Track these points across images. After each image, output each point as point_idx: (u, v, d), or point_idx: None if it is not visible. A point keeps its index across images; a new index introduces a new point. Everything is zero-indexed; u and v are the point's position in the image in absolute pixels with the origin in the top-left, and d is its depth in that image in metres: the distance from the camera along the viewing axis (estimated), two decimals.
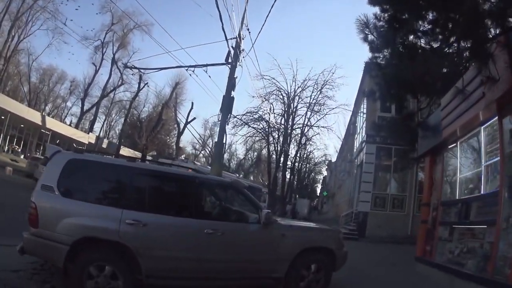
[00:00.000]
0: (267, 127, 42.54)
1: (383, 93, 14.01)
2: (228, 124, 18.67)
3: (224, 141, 17.54)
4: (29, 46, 58.67)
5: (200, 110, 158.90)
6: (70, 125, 65.02)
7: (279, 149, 44.04)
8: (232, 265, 7.57)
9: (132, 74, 49.50)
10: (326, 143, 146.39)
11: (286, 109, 44.37)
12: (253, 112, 42.06)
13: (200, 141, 65.62)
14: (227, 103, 17.19)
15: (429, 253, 12.36)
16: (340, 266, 8.92)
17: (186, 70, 18.95)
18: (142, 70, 26.32)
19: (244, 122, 41.38)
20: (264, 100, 41.32)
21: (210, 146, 68.32)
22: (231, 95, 17.28)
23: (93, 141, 56.52)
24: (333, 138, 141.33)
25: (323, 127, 45.44)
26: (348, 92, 67.51)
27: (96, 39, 56.51)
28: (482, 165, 9.84)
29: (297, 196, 58.89)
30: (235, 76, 17.38)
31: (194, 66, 18.74)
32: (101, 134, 69.81)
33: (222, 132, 17.45)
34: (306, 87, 44.20)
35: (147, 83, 48.71)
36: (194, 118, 57.55)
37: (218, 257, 7.34)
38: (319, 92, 43.98)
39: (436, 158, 13.46)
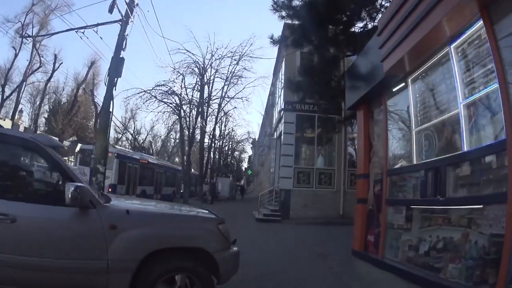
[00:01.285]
0: (178, 100, 39.05)
1: (299, 33, 12.31)
2: (115, 89, 16.01)
3: (111, 109, 15.95)
4: None
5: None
6: None
7: (192, 124, 40.75)
8: (27, 274, 4.42)
9: (26, 43, 47.00)
10: (247, 119, 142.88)
11: (199, 81, 41.49)
12: (163, 85, 38.58)
13: (120, 123, 60.99)
14: (116, 64, 15.71)
15: (374, 247, 8.38)
16: (229, 275, 5.74)
17: (76, 32, 17.20)
18: (36, 39, 24.29)
19: (153, 96, 37.81)
20: (175, 71, 39.38)
21: (132, 129, 68.60)
22: (121, 56, 15.87)
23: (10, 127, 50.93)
24: (255, 115, 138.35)
25: (239, 98, 43.29)
26: (268, 65, 64.27)
27: (16, 22, 50.74)
28: (458, 104, 5.82)
29: (216, 175, 55.55)
30: (125, 34, 16.07)
31: (84, 27, 17.19)
32: (26, 122, 64.84)
33: (109, 98, 15.79)
34: (222, 57, 42.15)
35: (62, 62, 49.12)
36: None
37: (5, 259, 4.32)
38: (236, 64, 42.12)
39: (374, 109, 9.45)
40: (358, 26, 13.29)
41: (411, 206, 7.02)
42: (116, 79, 15.82)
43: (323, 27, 12.40)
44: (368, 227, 8.91)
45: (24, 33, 52.10)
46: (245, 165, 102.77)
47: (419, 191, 6.69)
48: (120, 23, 16.20)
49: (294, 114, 23.67)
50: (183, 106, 39.43)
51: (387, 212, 7.91)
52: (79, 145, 35.48)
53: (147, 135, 72.69)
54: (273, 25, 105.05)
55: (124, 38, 16.04)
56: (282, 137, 24.64)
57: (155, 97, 37.53)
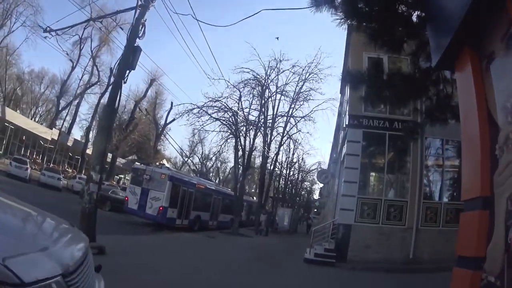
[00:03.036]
0: (232, 117, 35.00)
1: None
2: (125, 82, 13.94)
3: (116, 106, 14.35)
4: (9, 42, 54.23)
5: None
6: (33, 119, 63.36)
7: (250, 144, 36.70)
8: None
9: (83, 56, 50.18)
10: (316, 147, 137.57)
11: (258, 98, 37.58)
12: (217, 100, 34.72)
13: (180, 148, 63.60)
14: (128, 53, 13.71)
15: None
16: None
17: (94, 22, 18.09)
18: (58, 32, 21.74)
19: (204, 111, 34.21)
20: (229, 86, 36.84)
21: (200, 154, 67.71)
22: (135, 44, 13.88)
23: (56, 137, 51.20)
24: (326, 144, 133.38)
25: (302, 118, 40.11)
26: (337, 85, 60.32)
27: (73, 34, 51.64)
28: None
29: (277, 205, 51.43)
30: (143, 20, 14.00)
31: (102, 17, 17.66)
32: (79, 134, 67.98)
33: (116, 92, 13.85)
34: (283, 71, 38.77)
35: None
36: (174, 120, 50.30)
37: None
38: (302, 83, 38.94)
39: (497, 53, 4.61)
40: None
41: None
42: (128, 71, 13.78)
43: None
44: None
45: (82, 46, 53.01)
46: (316, 197, 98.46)
47: None
48: (139, 8, 14.00)
49: (360, 131, 19.34)
50: (239, 124, 35.45)
51: None
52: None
53: (216, 160, 70.97)
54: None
55: (141, 24, 13.96)
56: (344, 159, 20.29)
57: (207, 112, 34.12)
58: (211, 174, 75.15)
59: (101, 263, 3.85)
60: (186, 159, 64.40)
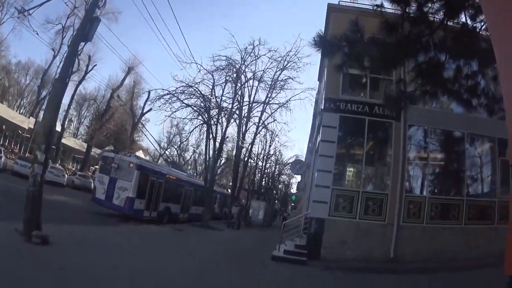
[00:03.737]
0: (203, 102, 32.71)
1: None
2: (79, 56, 15.23)
3: (67, 79, 13.84)
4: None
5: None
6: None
7: (222, 132, 34.74)
8: None
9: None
10: (294, 139, 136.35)
11: (234, 84, 35.45)
12: (190, 86, 32.44)
13: (155, 140, 63.41)
14: (86, 24, 13.16)
15: None
16: None
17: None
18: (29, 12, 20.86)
19: (174, 95, 31.78)
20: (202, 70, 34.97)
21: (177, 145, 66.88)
22: (94, 15, 13.37)
23: (33, 126, 51.05)
24: (304, 137, 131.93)
25: (277, 104, 39.26)
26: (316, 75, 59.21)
27: (57, 23, 52.53)
28: None
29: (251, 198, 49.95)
30: None
31: None
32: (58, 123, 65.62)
33: (69, 65, 13.71)
34: (262, 60, 40.82)
35: (95, 65, 49.50)
36: (150, 109, 51.11)
37: None
38: (280, 71, 38.09)
39: None
40: None
41: None
42: (83, 43, 13.90)
43: None
44: None
45: (64, 35, 52.57)
46: (294, 191, 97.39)
47: None
48: None
49: (337, 115, 17.50)
50: (211, 111, 33.19)
51: None
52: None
53: (193, 152, 69.34)
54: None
55: None
56: (319, 146, 18.36)
57: (178, 98, 31.78)
58: (188, 166, 73.74)
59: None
60: (162, 150, 61.69)
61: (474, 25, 9.54)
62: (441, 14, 9.18)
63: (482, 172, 19.23)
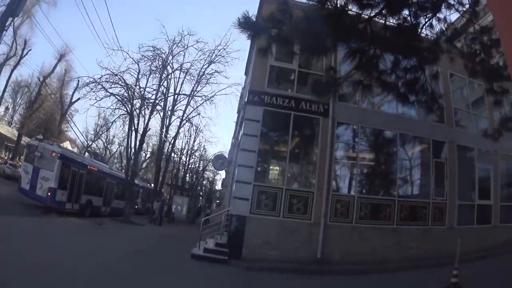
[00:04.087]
0: (127, 91, 31.40)
1: None
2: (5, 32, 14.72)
3: None
4: None
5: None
6: None
7: (144, 124, 33.53)
8: None
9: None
10: (218, 135, 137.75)
11: (160, 73, 34.49)
12: (115, 74, 31.18)
13: (80, 131, 58.57)
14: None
15: None
16: None
17: None
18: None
19: (98, 83, 30.35)
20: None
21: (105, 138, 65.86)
22: None
23: None
24: (228, 133, 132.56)
25: (200, 97, 39.76)
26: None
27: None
28: None
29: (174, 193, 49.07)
30: None
31: None
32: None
33: None
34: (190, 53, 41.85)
35: (30, 49, 47.85)
36: (79, 99, 49.21)
37: None
38: (208, 65, 38.83)
39: None
40: None
41: None
42: (12, 19, 15.01)
43: None
44: None
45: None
46: (218, 187, 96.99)
47: None
48: None
49: (261, 109, 16.58)
50: (134, 101, 31.98)
51: None
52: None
53: (119, 145, 67.14)
54: None
55: None
56: (241, 141, 17.47)
57: (103, 86, 30.35)
58: (115, 160, 73.15)
59: None
60: (89, 142, 60.96)
61: (415, 21, 9.04)
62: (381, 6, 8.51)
63: (415, 173, 19.23)
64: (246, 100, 17.55)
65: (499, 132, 15.65)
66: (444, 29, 9.96)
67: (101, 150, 65.16)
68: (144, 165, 57.22)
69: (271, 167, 18.15)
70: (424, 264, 15.62)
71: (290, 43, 9.18)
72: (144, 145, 46.73)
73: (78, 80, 44.82)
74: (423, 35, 9.37)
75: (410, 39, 8.73)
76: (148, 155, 65.55)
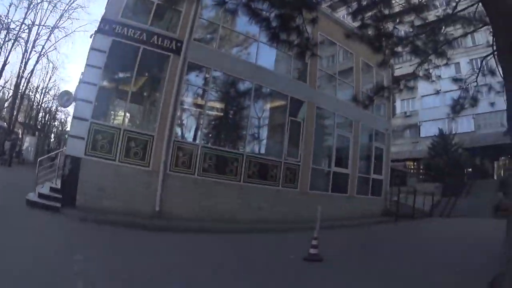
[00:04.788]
0: None
1: None
2: None
3: None
4: None
5: None
6: None
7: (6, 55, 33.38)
8: None
9: None
10: (73, 75, 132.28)
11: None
12: None
13: None
14: None
15: None
16: None
17: None
18: None
19: None
20: None
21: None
22: None
23: None
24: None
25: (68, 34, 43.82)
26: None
27: None
28: None
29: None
30: None
31: None
32: None
33: None
34: None
35: None
36: None
37: None
38: None
39: None
40: None
41: None
42: None
43: None
44: None
45: None
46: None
47: None
48: None
49: (109, 39, 14.57)
50: None
51: None
52: None
53: None
54: None
55: None
56: (84, 72, 15.19)
57: None
58: None
59: None
60: None
61: None
62: None
63: (269, 129, 18.41)
64: (97, 29, 15.40)
65: (371, 99, 15.41)
66: None
67: None
68: (6, 104, 53.15)
69: (112, 105, 16.28)
70: (277, 228, 14.97)
71: None
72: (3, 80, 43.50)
73: None
74: None
75: None
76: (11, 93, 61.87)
